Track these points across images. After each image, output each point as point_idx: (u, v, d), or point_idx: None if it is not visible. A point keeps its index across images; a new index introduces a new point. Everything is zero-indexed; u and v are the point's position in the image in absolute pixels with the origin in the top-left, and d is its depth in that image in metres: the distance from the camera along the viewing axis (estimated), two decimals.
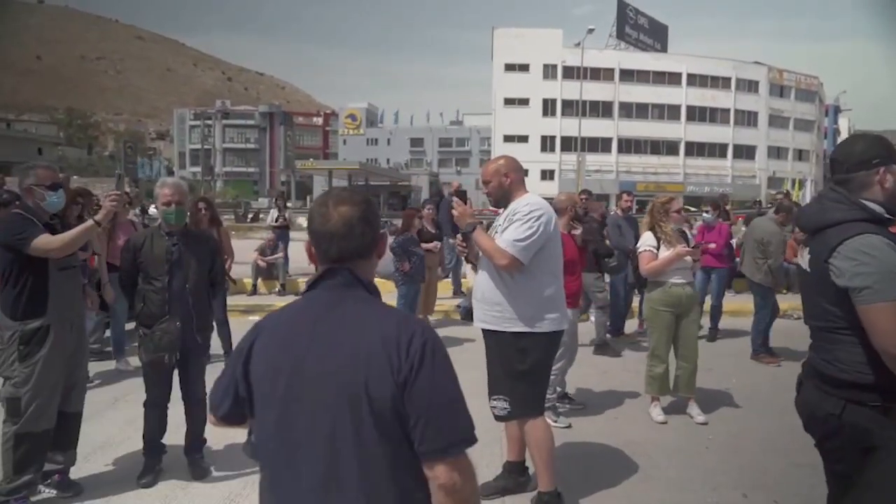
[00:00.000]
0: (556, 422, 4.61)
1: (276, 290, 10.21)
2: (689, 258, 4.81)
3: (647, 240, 4.89)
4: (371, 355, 1.33)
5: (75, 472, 3.65)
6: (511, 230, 3.11)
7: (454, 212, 3.28)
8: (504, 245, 3.08)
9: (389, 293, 7.73)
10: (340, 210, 1.46)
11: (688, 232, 5.05)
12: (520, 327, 3.16)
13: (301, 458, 1.36)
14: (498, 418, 3.36)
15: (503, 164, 3.36)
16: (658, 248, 4.81)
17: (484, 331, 3.35)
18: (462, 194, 3.43)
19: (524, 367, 3.19)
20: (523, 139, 55.54)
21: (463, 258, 3.52)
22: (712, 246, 7.69)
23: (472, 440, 1.37)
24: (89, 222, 3.31)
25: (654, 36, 61.37)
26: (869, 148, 2.08)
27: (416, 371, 1.32)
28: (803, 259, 2.21)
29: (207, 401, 1.51)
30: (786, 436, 4.43)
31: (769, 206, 19.73)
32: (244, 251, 10.66)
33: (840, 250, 1.96)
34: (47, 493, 3.47)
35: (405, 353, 1.33)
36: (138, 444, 3.82)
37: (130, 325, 6.32)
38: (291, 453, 1.37)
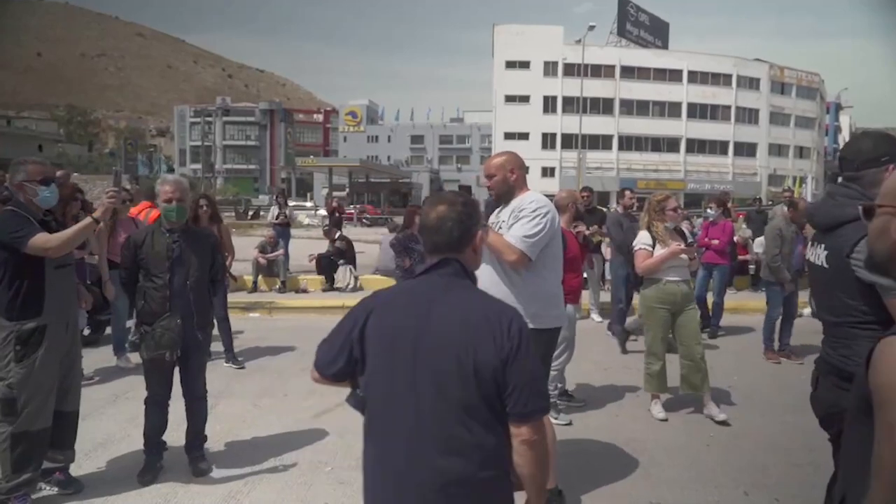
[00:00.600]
0: (556, 419, 4.60)
1: (277, 287, 10.21)
2: (685, 256, 4.82)
3: (642, 238, 4.91)
4: (478, 329, 1.61)
5: (76, 470, 3.65)
6: (519, 226, 3.12)
7: None
8: (513, 241, 3.09)
9: None
10: (438, 209, 1.77)
11: (686, 230, 5.03)
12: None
13: (406, 409, 1.63)
14: None
15: (509, 159, 3.36)
16: (653, 247, 4.82)
17: None
18: (467, 190, 3.42)
19: None
20: (524, 136, 55.49)
21: None
22: (715, 242, 7.70)
23: (549, 409, 1.72)
24: (87, 220, 3.29)
25: (655, 33, 61.25)
26: (877, 146, 2.11)
27: (517, 350, 1.60)
28: (815, 255, 2.21)
29: (316, 358, 1.81)
30: (787, 434, 4.44)
31: (770, 203, 19.72)
32: (245, 248, 10.68)
33: (864, 244, 1.97)
34: (48, 490, 3.47)
35: (507, 333, 1.61)
36: (139, 442, 3.82)
37: (132, 322, 6.34)
38: (399, 404, 1.64)
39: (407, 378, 1.63)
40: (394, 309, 1.74)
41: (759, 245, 9.33)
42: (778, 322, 6.74)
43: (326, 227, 12.28)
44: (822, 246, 2.18)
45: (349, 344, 1.75)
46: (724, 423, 4.69)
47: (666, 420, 4.80)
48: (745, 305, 9.13)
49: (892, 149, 2.10)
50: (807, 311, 8.35)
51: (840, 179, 2.22)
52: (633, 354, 6.65)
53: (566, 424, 4.63)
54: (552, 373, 4.46)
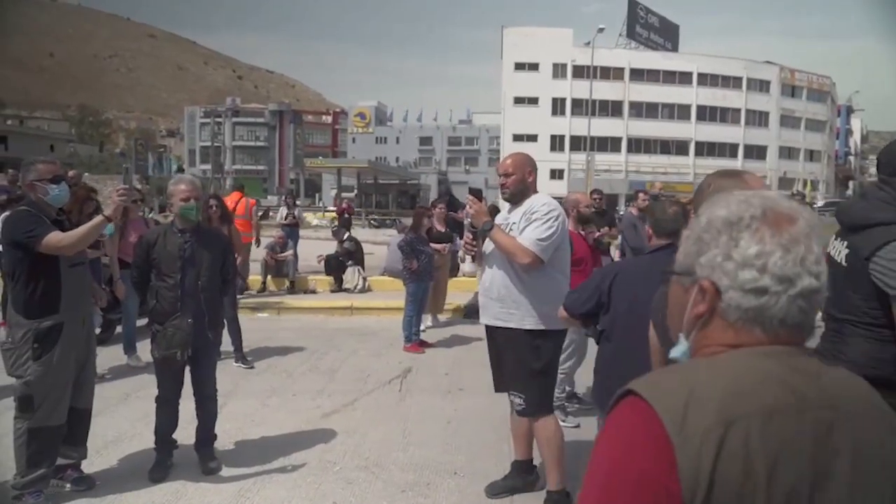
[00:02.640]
0: (564, 421, 4.60)
1: (286, 287, 10.25)
2: None
3: None
4: None
5: (88, 467, 3.69)
6: (532, 229, 3.14)
7: (469, 210, 3.30)
8: (527, 244, 3.11)
9: (398, 291, 7.76)
10: (674, 208, 2.71)
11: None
12: (535, 325, 3.20)
13: (641, 335, 2.13)
14: (518, 413, 3.38)
15: (528, 160, 3.39)
16: None
17: (494, 328, 3.36)
18: (477, 192, 3.43)
19: (539, 365, 3.23)
20: (532, 138, 55.42)
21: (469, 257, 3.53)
22: None
23: None
24: (99, 218, 3.32)
25: (665, 35, 61.07)
26: None
27: None
28: (836, 251, 2.22)
29: (566, 303, 2.87)
30: None
31: None
32: (255, 249, 10.72)
33: (886, 251, 1.98)
34: (61, 486, 3.51)
35: None
36: (150, 440, 3.86)
37: (142, 322, 6.39)
38: (635, 334, 2.28)
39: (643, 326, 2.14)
40: (636, 273, 2.69)
41: None
42: None
43: (335, 228, 12.31)
44: (845, 244, 2.18)
45: (598, 293, 2.74)
46: None
47: None
48: None
49: None
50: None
51: (875, 181, 2.23)
52: None
53: (574, 427, 4.64)
54: (560, 375, 4.47)
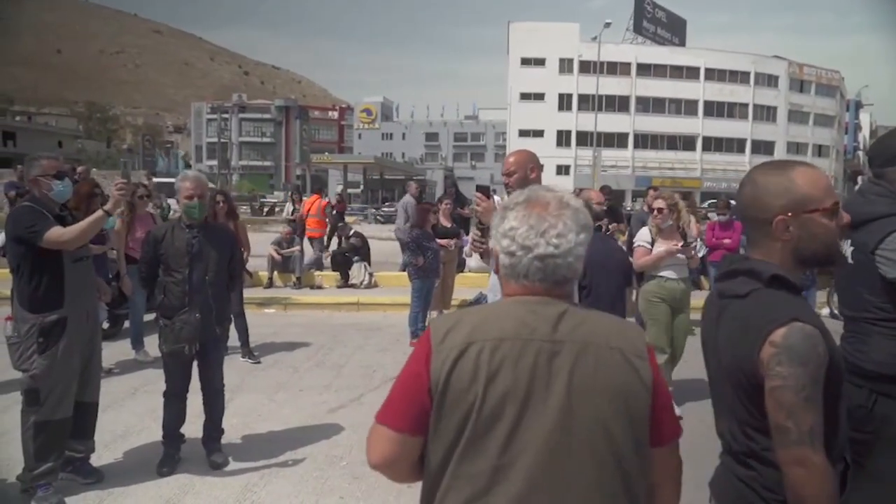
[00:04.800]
0: None
1: (292, 283, 10.27)
2: (682, 255, 4.97)
3: (642, 235, 5.09)
4: None
5: (96, 461, 3.72)
6: None
7: (478, 208, 3.28)
8: None
9: (405, 287, 7.76)
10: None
11: (687, 229, 5.20)
12: None
13: None
14: None
15: (529, 157, 3.37)
16: (652, 244, 4.99)
17: None
18: (485, 190, 3.42)
19: None
20: (539, 134, 55.26)
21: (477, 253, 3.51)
22: (727, 241, 7.70)
23: None
24: (99, 212, 3.33)
25: (672, 30, 60.68)
26: None
27: None
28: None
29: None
30: None
31: None
32: (259, 244, 10.75)
33: (889, 242, 1.98)
34: (69, 479, 3.53)
35: None
36: (157, 434, 3.88)
37: (149, 317, 6.42)
38: None
39: None
40: None
41: None
42: None
43: (341, 225, 12.33)
44: (849, 241, 2.20)
45: None
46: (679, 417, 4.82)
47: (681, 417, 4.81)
48: None
49: None
50: (825, 311, 8.26)
51: (867, 177, 2.23)
52: None
53: None
54: None
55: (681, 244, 4.92)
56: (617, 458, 1.22)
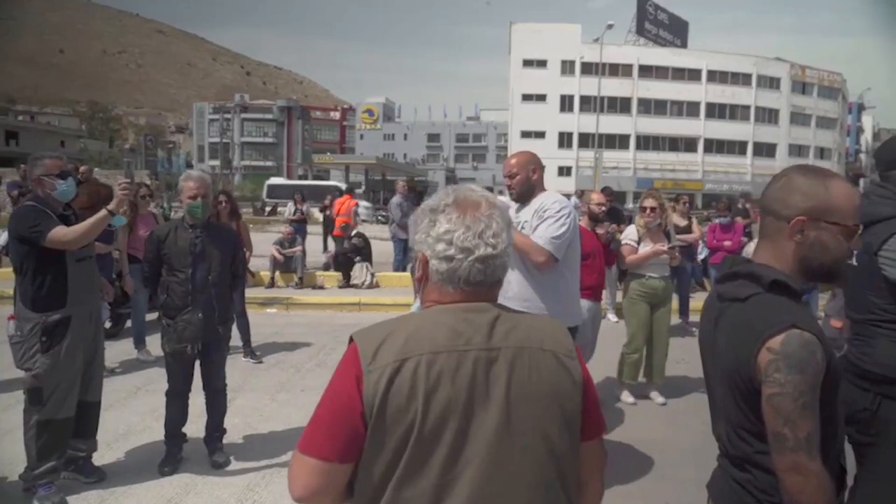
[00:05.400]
0: None
1: (294, 283, 10.28)
2: (665, 255, 5.18)
3: (628, 234, 5.28)
4: None
5: (98, 460, 3.72)
6: (545, 227, 3.14)
7: None
8: (542, 242, 3.12)
9: (407, 287, 7.78)
10: None
11: (672, 230, 5.48)
12: None
13: None
14: None
15: (531, 158, 3.39)
16: (639, 243, 5.17)
17: None
18: (488, 190, 3.44)
19: None
20: (540, 135, 55.27)
21: None
22: (727, 244, 7.74)
23: None
24: (102, 212, 3.33)
25: (674, 32, 60.68)
26: None
27: None
28: None
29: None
30: None
31: None
32: (261, 244, 10.76)
33: (891, 243, 2.01)
34: (72, 478, 3.54)
35: None
36: (159, 434, 3.89)
37: (151, 316, 6.43)
38: None
39: None
40: None
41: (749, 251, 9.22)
42: None
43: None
44: None
45: None
46: (663, 404, 5.20)
47: (635, 404, 5.17)
48: None
49: None
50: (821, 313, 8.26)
51: (871, 180, 2.26)
52: None
53: None
54: None
55: (667, 245, 5.17)
56: (555, 459, 1.23)
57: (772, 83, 59.23)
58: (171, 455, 3.79)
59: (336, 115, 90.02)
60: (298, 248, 10.51)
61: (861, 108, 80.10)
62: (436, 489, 1.16)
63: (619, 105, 55.96)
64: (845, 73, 66.31)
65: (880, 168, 2.17)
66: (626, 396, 5.25)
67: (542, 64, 56.17)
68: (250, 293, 9.31)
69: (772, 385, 1.32)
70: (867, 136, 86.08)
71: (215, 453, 3.87)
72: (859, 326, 2.15)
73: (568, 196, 3.98)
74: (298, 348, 6.76)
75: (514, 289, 3.25)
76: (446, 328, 1.21)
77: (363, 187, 50.54)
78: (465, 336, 1.20)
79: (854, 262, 2.17)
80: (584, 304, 4.61)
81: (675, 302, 7.91)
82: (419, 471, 1.16)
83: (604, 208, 5.38)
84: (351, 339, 1.23)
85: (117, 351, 6.16)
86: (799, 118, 60.66)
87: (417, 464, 1.16)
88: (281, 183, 39.91)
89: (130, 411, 4.75)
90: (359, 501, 1.21)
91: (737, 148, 57.98)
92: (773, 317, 1.36)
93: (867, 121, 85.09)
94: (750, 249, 10.07)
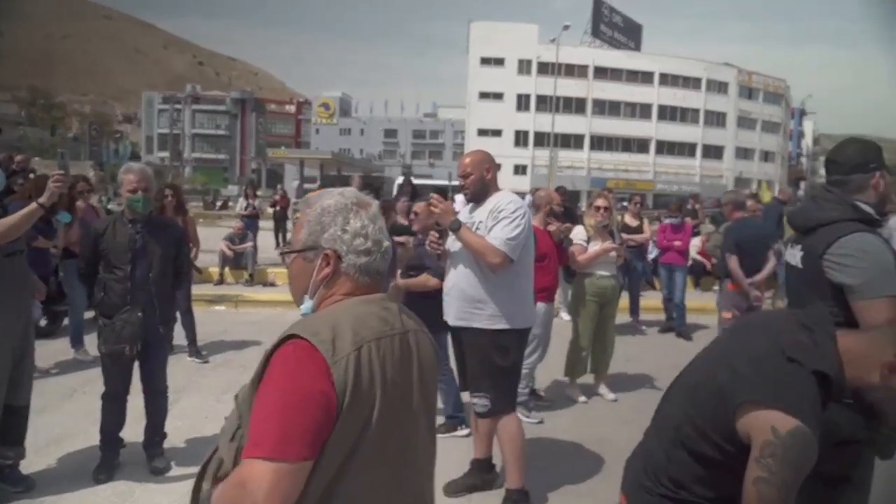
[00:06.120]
0: (528, 417, 4.61)
1: (244, 279, 10.03)
2: (613, 253, 5.26)
3: (578, 234, 5.31)
4: None
5: (28, 467, 3.51)
6: (500, 228, 3.11)
7: (434, 209, 3.22)
8: (497, 243, 3.07)
9: None
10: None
11: (615, 230, 5.56)
12: (502, 324, 3.17)
13: None
14: (479, 415, 3.34)
15: (485, 158, 3.35)
16: (588, 242, 5.21)
17: (458, 328, 3.32)
18: (443, 191, 3.39)
19: (506, 364, 3.21)
20: (497, 133, 55.58)
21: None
22: (678, 244, 7.91)
23: None
24: (33, 205, 3.14)
25: (629, 35, 61.90)
26: (867, 152, 2.18)
27: None
28: (792, 256, 2.26)
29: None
30: None
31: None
32: (212, 239, 10.47)
33: (836, 247, 2.02)
34: None
35: None
36: (95, 438, 3.69)
37: (90, 314, 6.15)
38: None
39: None
40: None
41: (694, 246, 9.45)
42: None
43: (290, 220, 12.12)
44: (799, 247, 2.24)
45: None
46: (614, 400, 5.27)
47: (586, 402, 5.21)
48: (710, 305, 9.25)
49: (879, 156, 2.18)
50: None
51: (811, 182, 2.28)
52: None
53: (538, 423, 4.65)
54: (524, 371, 4.46)
55: (616, 243, 5.27)
56: (433, 423, 1.48)
57: (720, 87, 61.05)
58: (106, 461, 3.61)
59: (291, 108, 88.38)
60: (249, 243, 10.26)
61: (803, 113, 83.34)
62: (392, 470, 1.28)
63: (575, 105, 56.75)
64: (788, 80, 68.87)
65: (840, 173, 2.18)
66: (577, 395, 5.28)
67: (499, 62, 56.48)
68: (198, 290, 9.03)
69: (763, 468, 1.35)
70: (808, 141, 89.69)
71: (155, 458, 3.71)
72: None
73: (522, 195, 3.96)
74: (247, 347, 6.58)
75: (467, 290, 3.20)
76: (375, 316, 1.31)
77: (318, 182, 49.81)
78: (389, 322, 1.32)
79: (800, 265, 2.20)
80: (540, 306, 4.62)
81: (624, 301, 8.12)
82: (380, 451, 1.25)
83: (561, 208, 5.42)
84: (289, 338, 1.23)
85: (53, 350, 5.87)
86: (745, 122, 62.72)
87: (378, 445, 1.24)
88: (421, 183, 36.44)
89: (65, 414, 4.52)
90: (313, 494, 1.18)
91: (686, 150, 59.55)
92: (792, 395, 1.38)
93: (808, 126, 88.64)
94: (696, 243, 10.34)
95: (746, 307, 5.33)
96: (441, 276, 4.36)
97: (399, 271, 4.49)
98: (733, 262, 5.49)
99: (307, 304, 1.38)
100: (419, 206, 4.46)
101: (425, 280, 4.31)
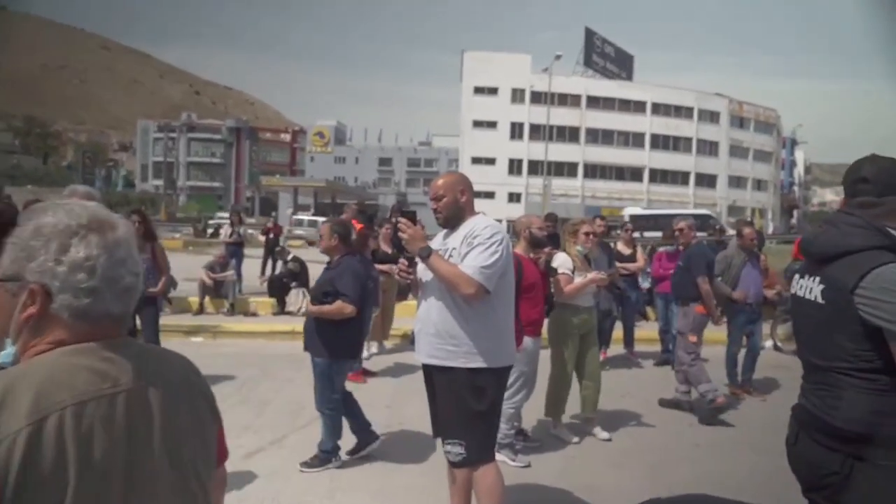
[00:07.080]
0: (514, 460, 4.28)
1: (224, 309, 9.69)
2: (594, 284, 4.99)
3: (563, 262, 4.94)
4: None
5: None
6: (475, 256, 2.79)
7: (402, 235, 2.93)
8: (471, 272, 2.75)
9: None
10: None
11: (591, 258, 5.28)
12: (478, 363, 2.82)
13: None
14: (453, 465, 3.00)
15: (459, 179, 3.08)
16: (573, 272, 4.88)
17: (431, 367, 2.99)
18: (411, 215, 3.08)
19: (482, 408, 2.85)
20: (491, 161, 55.80)
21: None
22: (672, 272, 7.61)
23: None
24: None
25: (620, 65, 62.66)
26: None
27: None
28: (807, 288, 1.94)
29: None
30: (753, 479, 4.18)
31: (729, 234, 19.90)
32: (197, 268, 10.18)
33: (869, 280, 1.70)
34: None
35: None
36: None
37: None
38: None
39: None
40: None
41: None
42: (741, 355, 6.54)
43: (279, 249, 11.86)
44: (818, 279, 1.88)
45: None
46: (607, 440, 4.92)
47: (578, 443, 4.85)
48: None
49: None
50: (768, 343, 8.22)
51: (803, 211, 1.98)
52: None
53: (525, 467, 4.31)
54: (509, 411, 4.15)
55: (601, 273, 5.03)
56: (204, 491, 1.15)
57: (712, 117, 61.67)
58: None
59: (287, 136, 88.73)
60: (231, 272, 9.95)
61: (794, 142, 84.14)
62: None
63: (568, 134, 57.14)
64: (779, 110, 69.67)
65: (872, 195, 1.85)
66: (567, 436, 4.91)
67: (493, 91, 56.96)
68: (176, 320, 8.73)
69: None
70: (800, 170, 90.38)
71: None
72: (822, 374, 1.84)
73: (500, 221, 3.68)
74: (221, 381, 6.22)
75: (439, 325, 2.89)
76: (86, 371, 1.01)
77: (312, 210, 49.69)
78: (111, 377, 1.02)
79: (819, 300, 1.89)
80: (527, 341, 4.31)
81: (618, 332, 7.79)
82: None
83: (545, 233, 5.09)
84: None
85: None
86: (737, 151, 63.22)
87: None
88: (641, 213, 33.03)
89: None
90: None
91: (680, 178, 59.85)
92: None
93: (799, 155, 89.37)
94: None
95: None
96: (356, 302, 4.12)
97: (310, 297, 4.37)
98: (706, 284, 5.48)
99: (7, 350, 1.07)
100: (383, 231, 4.21)
101: (340, 307, 4.05)
